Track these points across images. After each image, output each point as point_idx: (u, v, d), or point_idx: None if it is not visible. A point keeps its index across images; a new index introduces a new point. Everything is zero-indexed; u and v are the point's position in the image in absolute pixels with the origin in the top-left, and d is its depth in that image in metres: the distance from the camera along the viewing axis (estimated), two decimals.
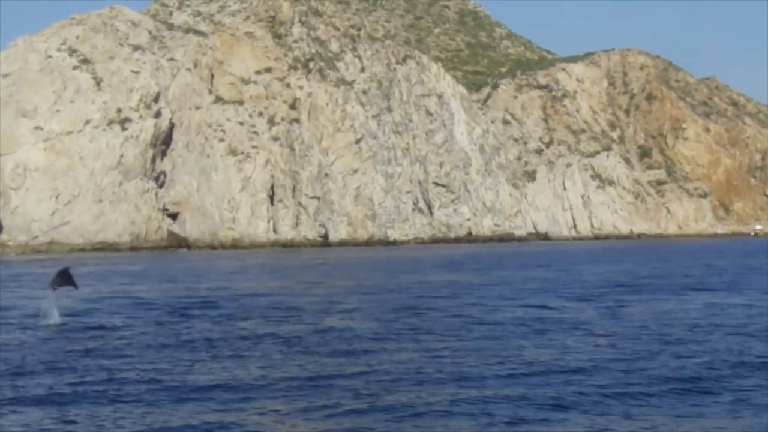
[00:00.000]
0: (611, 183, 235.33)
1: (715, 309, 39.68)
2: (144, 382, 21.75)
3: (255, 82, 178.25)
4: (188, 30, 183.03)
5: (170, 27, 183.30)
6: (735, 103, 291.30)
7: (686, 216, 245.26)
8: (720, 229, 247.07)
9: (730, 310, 39.31)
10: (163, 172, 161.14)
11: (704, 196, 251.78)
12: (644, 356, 25.56)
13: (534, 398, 19.93)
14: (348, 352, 26.45)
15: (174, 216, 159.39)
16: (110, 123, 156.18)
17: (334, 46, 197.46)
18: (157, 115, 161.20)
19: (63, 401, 19.91)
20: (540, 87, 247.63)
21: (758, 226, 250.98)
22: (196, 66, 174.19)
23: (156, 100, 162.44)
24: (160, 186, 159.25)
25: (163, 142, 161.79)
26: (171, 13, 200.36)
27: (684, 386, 21.36)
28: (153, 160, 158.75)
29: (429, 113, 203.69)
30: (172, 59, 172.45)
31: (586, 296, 47.15)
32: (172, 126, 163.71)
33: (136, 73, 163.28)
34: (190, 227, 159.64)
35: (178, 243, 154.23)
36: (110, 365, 24.21)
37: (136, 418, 18.35)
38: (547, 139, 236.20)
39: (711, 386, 21.37)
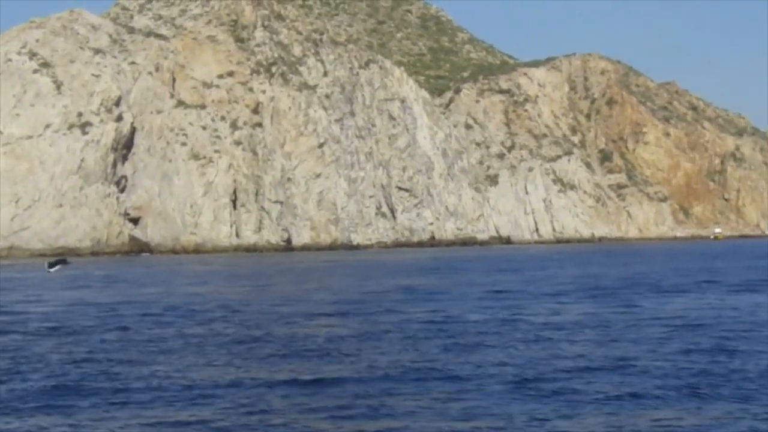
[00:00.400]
0: (572, 187, 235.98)
1: (694, 307, 39.75)
2: (149, 386, 21.40)
3: (217, 86, 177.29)
4: (149, 34, 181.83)
5: (131, 30, 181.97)
6: (694, 108, 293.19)
7: (647, 219, 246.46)
8: (680, 233, 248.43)
9: (711, 309, 39.41)
10: (125, 177, 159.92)
11: (664, 199, 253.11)
12: (641, 354, 25.38)
13: (546, 397, 19.74)
14: (348, 354, 26.14)
15: (135, 221, 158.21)
16: (71, 127, 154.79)
17: (297, 50, 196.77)
18: (119, 119, 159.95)
19: (68, 403, 19.59)
20: (502, 91, 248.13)
21: (718, 230, 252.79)
22: (157, 70, 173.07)
23: (117, 103, 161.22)
24: (122, 190, 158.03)
25: (125, 146, 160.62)
26: (131, 17, 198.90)
27: (690, 381, 21.26)
28: (114, 165, 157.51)
29: (392, 118, 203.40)
30: (133, 63, 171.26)
31: (572, 299, 47.14)
32: (133, 130, 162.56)
33: (97, 76, 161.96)
34: (152, 232, 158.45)
35: (139, 248, 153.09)
36: (110, 368, 23.86)
37: (143, 418, 18.01)
38: (509, 144, 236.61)
39: (714, 381, 21.20)
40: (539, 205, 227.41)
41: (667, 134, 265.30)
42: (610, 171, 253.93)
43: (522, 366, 23.52)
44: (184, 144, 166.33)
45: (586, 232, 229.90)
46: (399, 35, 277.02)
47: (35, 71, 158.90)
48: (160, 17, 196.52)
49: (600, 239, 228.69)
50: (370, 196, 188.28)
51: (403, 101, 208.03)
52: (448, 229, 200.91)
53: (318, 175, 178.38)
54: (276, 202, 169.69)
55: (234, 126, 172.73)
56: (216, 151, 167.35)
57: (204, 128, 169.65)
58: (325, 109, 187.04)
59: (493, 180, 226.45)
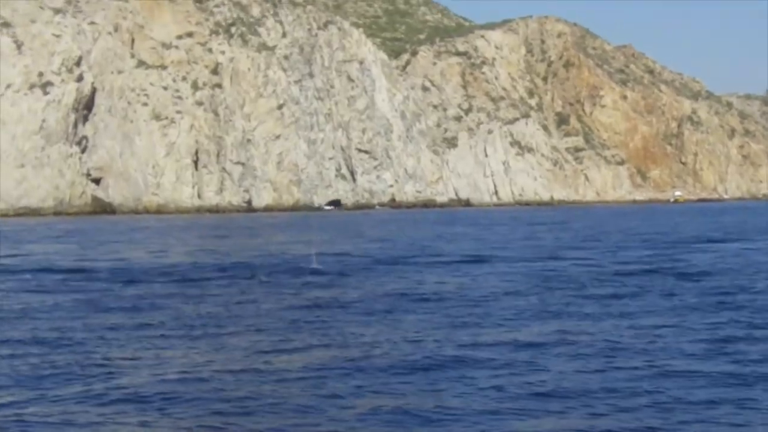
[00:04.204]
0: (530, 150, 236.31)
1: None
2: None
3: (176, 47, 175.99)
4: None
5: None
6: (651, 71, 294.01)
7: (604, 183, 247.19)
8: (638, 196, 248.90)
9: None
10: (86, 137, 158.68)
11: (621, 163, 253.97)
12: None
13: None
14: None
15: (97, 181, 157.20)
16: (32, 87, 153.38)
17: (256, 11, 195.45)
18: (79, 79, 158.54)
19: None
20: (458, 54, 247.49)
21: (678, 193, 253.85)
22: (116, 30, 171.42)
23: (78, 63, 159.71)
24: (83, 151, 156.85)
25: (85, 106, 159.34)
26: None
27: None
28: (75, 125, 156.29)
29: (350, 79, 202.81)
30: (92, 23, 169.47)
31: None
32: (94, 90, 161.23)
33: (58, 36, 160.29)
34: (114, 192, 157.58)
35: (102, 208, 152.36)
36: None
37: None
38: (466, 106, 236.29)
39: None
40: (498, 168, 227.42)
41: (624, 97, 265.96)
42: (567, 134, 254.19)
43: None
44: (145, 104, 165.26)
45: (545, 195, 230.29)
46: None
47: None
48: None
49: (558, 202, 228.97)
50: (330, 158, 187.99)
51: (361, 63, 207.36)
52: (408, 192, 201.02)
53: (278, 137, 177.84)
54: (237, 163, 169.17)
55: (195, 87, 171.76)
56: (178, 112, 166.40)
57: (165, 88, 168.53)
58: (284, 70, 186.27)
59: (451, 143, 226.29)
